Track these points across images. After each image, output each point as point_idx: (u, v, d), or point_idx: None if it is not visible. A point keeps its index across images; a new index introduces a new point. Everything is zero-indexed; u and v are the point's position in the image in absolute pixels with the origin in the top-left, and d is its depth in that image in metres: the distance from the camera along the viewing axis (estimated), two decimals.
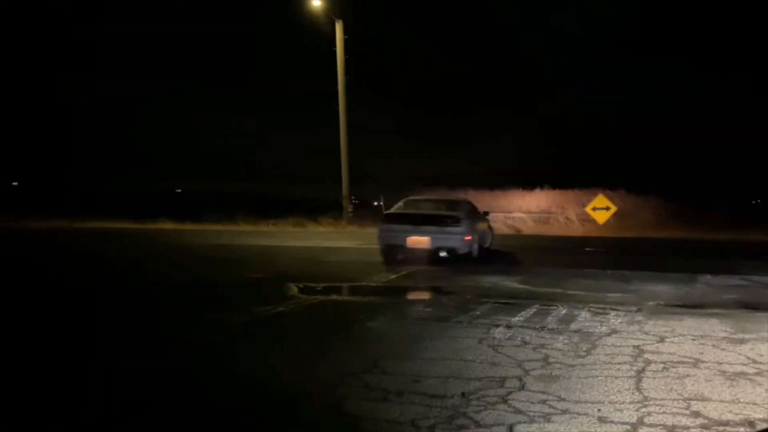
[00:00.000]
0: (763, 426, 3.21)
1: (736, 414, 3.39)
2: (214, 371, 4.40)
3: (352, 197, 22.82)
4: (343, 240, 16.28)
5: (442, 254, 11.06)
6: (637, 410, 3.45)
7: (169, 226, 23.59)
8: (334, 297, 7.72)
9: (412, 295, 8.28)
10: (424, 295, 8.23)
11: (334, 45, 22.15)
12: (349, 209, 22.52)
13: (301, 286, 8.28)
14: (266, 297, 7.37)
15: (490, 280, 9.07)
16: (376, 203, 22.65)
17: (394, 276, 9.55)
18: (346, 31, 22.25)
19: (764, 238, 19.36)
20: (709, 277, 9.64)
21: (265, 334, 5.67)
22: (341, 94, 22.50)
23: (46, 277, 9.84)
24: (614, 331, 5.53)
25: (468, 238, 11.24)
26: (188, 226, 23.07)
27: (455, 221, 11.07)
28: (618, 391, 3.81)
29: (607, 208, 23.77)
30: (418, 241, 10.86)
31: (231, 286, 8.70)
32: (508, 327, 5.70)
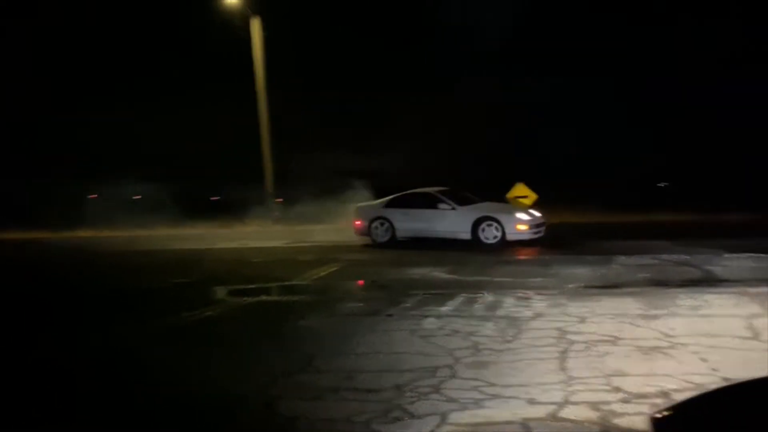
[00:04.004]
0: (676, 396, 3.43)
1: (653, 386, 3.61)
2: (139, 378, 4.25)
3: (278, 197, 22.52)
4: (270, 239, 16.04)
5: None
6: (562, 390, 3.61)
7: (86, 233, 22.47)
8: (263, 298, 7.62)
9: (342, 291, 8.28)
10: (355, 290, 8.25)
11: (252, 41, 21.72)
12: (275, 207, 22.21)
13: (229, 288, 8.11)
14: (193, 301, 7.17)
15: (419, 272, 9.20)
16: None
17: (324, 273, 9.52)
18: (266, 27, 21.87)
19: (670, 218, 20.72)
20: (623, 258, 10.16)
21: (193, 339, 5.53)
22: (261, 92, 22.11)
23: None
24: (538, 315, 5.75)
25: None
26: (105, 233, 22.07)
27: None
28: (544, 372, 3.97)
29: (527, 197, 24.59)
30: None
31: (155, 292, 8.40)
32: (438, 317, 5.81)
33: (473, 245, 12.00)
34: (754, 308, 5.68)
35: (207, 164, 27.51)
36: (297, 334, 5.49)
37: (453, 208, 12.73)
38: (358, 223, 13.35)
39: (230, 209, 22.39)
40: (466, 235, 12.43)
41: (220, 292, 7.88)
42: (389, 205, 13.32)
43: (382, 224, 13.10)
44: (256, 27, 21.76)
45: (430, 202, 13.01)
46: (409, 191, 13.66)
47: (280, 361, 4.49)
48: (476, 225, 12.30)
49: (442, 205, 12.81)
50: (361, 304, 6.77)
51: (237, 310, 6.82)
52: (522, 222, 12.19)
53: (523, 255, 11.07)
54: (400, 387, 3.75)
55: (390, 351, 4.65)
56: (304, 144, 25.16)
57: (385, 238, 13.01)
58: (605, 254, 10.64)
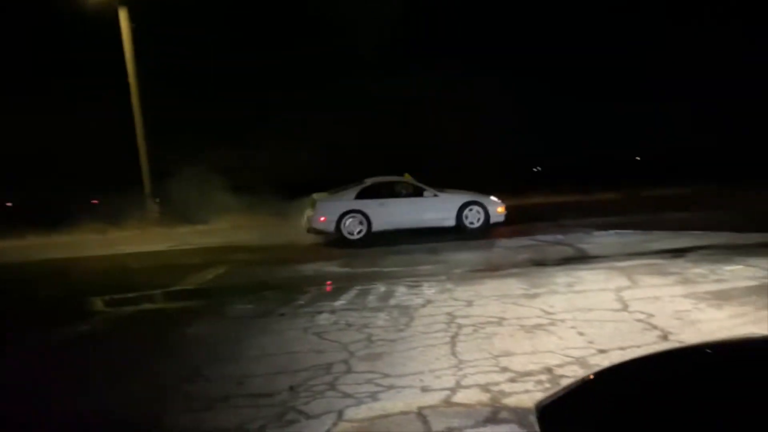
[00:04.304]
0: (558, 371, 3.62)
1: (537, 363, 3.79)
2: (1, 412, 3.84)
3: (157, 198, 21.39)
4: (151, 243, 15.20)
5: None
6: (454, 374, 3.70)
7: None
8: (145, 306, 7.19)
9: (231, 294, 7.99)
10: (245, 292, 8.00)
11: (122, 34, 20.41)
12: (155, 209, 21.09)
13: (106, 299, 7.57)
14: (66, 316, 6.61)
15: (311, 268, 9.10)
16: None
17: (211, 276, 9.15)
18: (135, 19, 20.63)
19: (544, 200, 22.18)
20: (504, 241, 10.67)
21: (66, 357, 5.08)
22: (133, 87, 20.86)
23: None
24: (428, 302, 5.87)
25: None
26: None
27: None
28: (436, 358, 4.05)
29: None
30: None
31: (19, 309, 7.66)
32: (332, 312, 5.77)
33: (450, 231, 12.03)
34: (622, 281, 6.15)
35: (79, 165, 25.53)
36: (183, 342, 5.22)
37: (436, 195, 12.53)
38: (322, 219, 11.96)
39: (104, 213, 20.96)
40: (451, 222, 12.38)
41: (96, 303, 7.33)
42: (360, 196, 12.31)
43: (354, 218, 12.07)
44: (123, 18, 20.48)
45: (414, 191, 12.59)
46: (378, 180, 12.76)
47: (166, 373, 4.25)
48: (461, 210, 12.33)
49: (426, 193, 12.48)
50: (251, 306, 6.57)
51: (116, 321, 6.38)
52: (500, 205, 12.58)
53: (411, 243, 11.28)
54: (295, 388, 3.66)
55: (283, 351, 4.54)
56: (185, 142, 24.08)
57: (360, 234, 12.03)
58: (488, 238, 11.12)
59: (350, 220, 12.06)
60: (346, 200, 12.26)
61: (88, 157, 25.43)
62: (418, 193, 12.53)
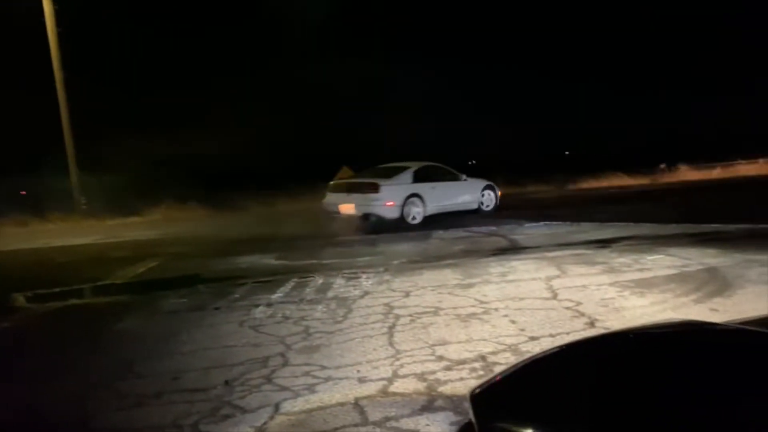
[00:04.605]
0: (492, 358, 3.73)
1: (471, 351, 3.89)
2: None
3: (87, 189, 20.49)
4: (79, 236, 14.56)
5: None
6: (391, 364, 3.74)
7: None
8: (73, 301, 6.89)
9: (164, 288, 7.77)
10: (178, 285, 7.80)
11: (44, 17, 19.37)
12: (82, 201, 20.20)
13: (29, 295, 7.20)
14: None
15: (246, 260, 8.97)
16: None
17: (142, 269, 8.87)
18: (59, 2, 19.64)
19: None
20: (440, 232, 10.84)
21: None
22: (57, 74, 19.86)
23: None
24: (366, 293, 5.91)
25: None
26: None
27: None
28: (374, 349, 4.09)
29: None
30: None
31: None
32: (269, 305, 5.71)
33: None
34: (552, 271, 6.38)
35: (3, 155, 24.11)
36: (113, 338, 5.05)
37: (465, 180, 13.07)
38: (390, 203, 11.62)
39: (29, 204, 19.91)
40: (475, 205, 13.09)
41: (18, 299, 6.97)
42: (416, 180, 12.10)
43: (413, 202, 11.91)
44: (46, 1, 19.46)
45: (452, 175, 12.92)
46: (424, 165, 12.66)
47: (96, 371, 4.10)
48: (481, 193, 13.22)
49: (462, 176, 12.99)
50: (185, 300, 6.41)
51: (40, 318, 6.09)
52: (500, 190, 13.75)
53: (349, 235, 11.29)
54: (230, 382, 3.62)
55: (218, 346, 4.47)
56: (114, 134, 23.15)
57: (418, 218, 11.97)
58: (424, 229, 11.26)
59: (412, 203, 11.97)
60: (405, 184, 12.01)
61: (12, 147, 24.06)
62: (455, 177, 13.06)
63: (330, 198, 12.40)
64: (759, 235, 8.20)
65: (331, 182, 13.12)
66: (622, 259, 6.79)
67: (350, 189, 12.09)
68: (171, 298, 6.53)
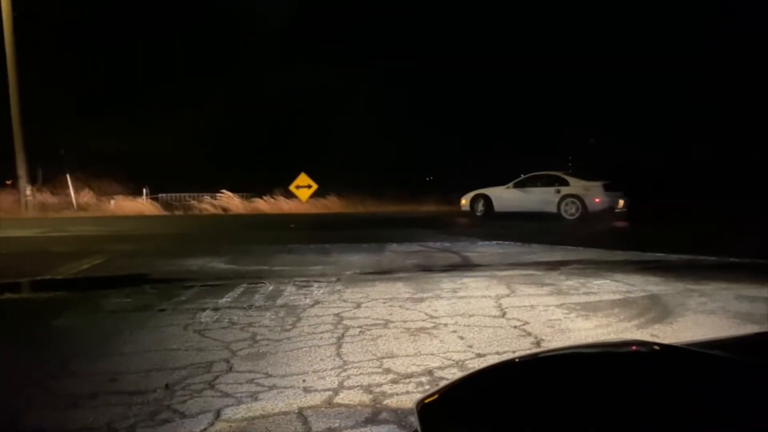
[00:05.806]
0: (438, 373, 3.74)
1: (419, 365, 3.89)
2: None
3: (34, 181, 19.73)
4: (21, 229, 13.99)
5: None
6: (337, 375, 3.71)
7: None
8: (6, 296, 6.59)
9: (108, 286, 7.53)
10: (123, 284, 7.57)
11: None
12: (27, 192, 19.45)
13: None
14: None
15: (195, 263, 8.78)
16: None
17: (86, 266, 8.57)
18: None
19: (434, 208, 22.99)
20: (395, 245, 10.87)
21: None
22: (10, 60, 19.16)
23: None
24: (317, 302, 5.85)
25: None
26: None
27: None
28: (321, 359, 4.04)
29: (309, 186, 25.06)
30: None
31: None
32: (216, 309, 5.59)
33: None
34: (502, 289, 6.47)
35: None
36: (49, 335, 4.85)
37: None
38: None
39: None
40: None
41: None
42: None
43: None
44: None
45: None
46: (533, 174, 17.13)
47: (29, 368, 3.92)
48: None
49: None
50: (129, 300, 6.22)
51: None
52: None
53: (303, 243, 11.21)
54: (171, 386, 3.51)
55: (161, 348, 4.34)
56: (67, 127, 22.40)
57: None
58: (379, 242, 11.29)
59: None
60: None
61: None
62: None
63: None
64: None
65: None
66: (569, 282, 6.94)
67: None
68: (114, 297, 6.32)
